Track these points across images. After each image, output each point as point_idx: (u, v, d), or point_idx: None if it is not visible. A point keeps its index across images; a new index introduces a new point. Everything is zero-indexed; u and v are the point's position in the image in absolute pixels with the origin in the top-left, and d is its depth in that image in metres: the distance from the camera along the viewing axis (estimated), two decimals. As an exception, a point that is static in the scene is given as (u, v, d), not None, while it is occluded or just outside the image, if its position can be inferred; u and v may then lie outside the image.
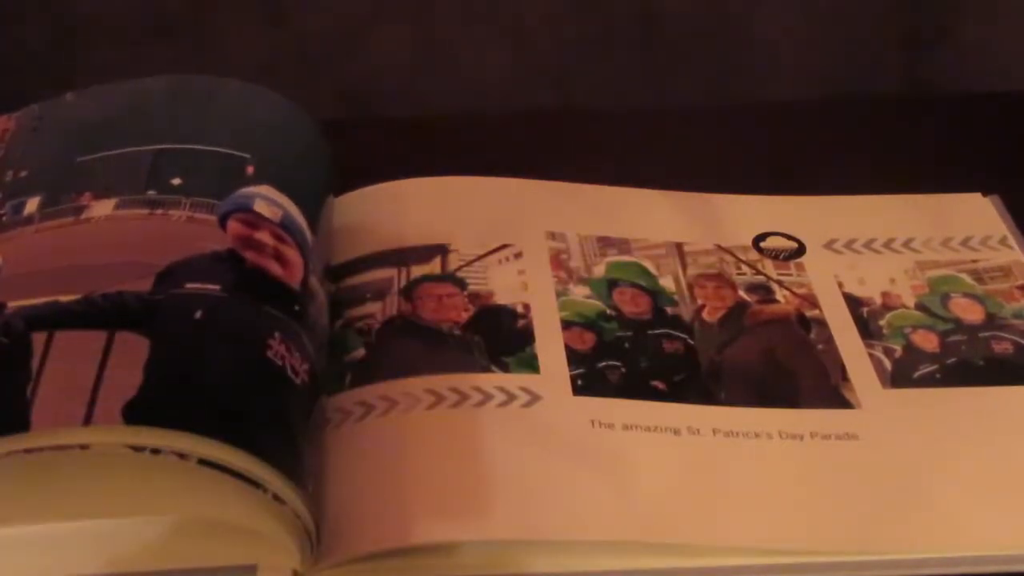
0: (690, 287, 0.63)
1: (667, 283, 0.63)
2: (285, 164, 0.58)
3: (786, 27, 0.86)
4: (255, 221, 0.54)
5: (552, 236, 0.64)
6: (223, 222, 0.54)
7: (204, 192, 0.55)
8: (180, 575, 0.49)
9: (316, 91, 0.85)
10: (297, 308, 0.53)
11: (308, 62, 0.84)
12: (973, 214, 0.70)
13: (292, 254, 0.54)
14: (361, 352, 0.58)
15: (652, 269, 0.63)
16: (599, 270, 0.63)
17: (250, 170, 0.56)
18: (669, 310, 0.61)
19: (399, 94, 0.86)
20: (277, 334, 0.50)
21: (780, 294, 0.63)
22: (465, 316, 0.59)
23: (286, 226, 0.54)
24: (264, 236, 0.53)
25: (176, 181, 0.56)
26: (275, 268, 0.53)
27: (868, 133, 0.78)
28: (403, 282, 0.61)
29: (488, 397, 0.55)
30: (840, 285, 0.64)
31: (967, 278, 0.65)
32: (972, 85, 0.87)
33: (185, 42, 0.84)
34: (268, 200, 0.55)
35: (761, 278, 0.64)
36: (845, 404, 0.58)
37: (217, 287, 0.51)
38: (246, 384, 0.49)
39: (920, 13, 0.87)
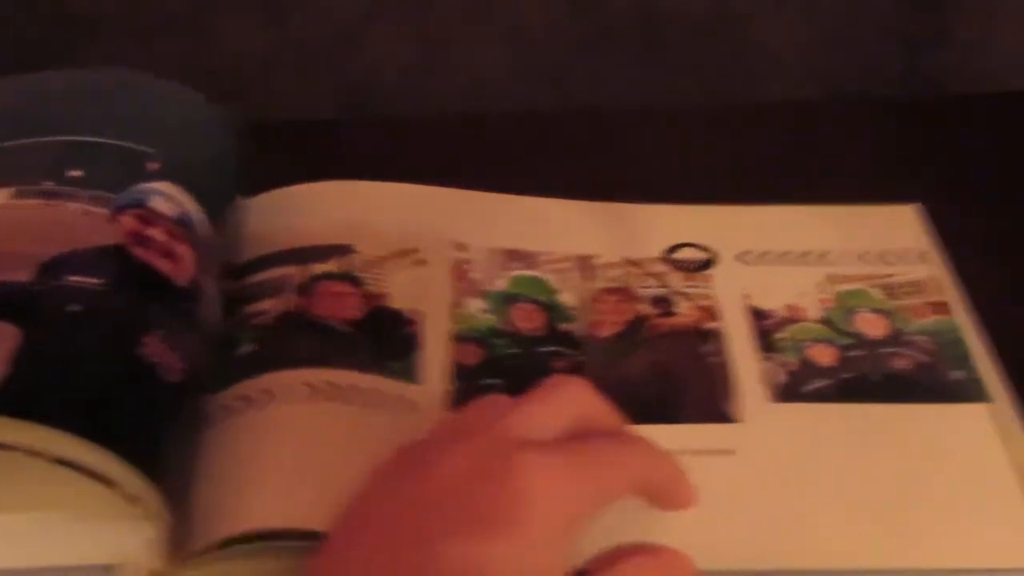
0: (591, 302, 0.63)
1: (567, 298, 0.63)
2: (192, 162, 0.59)
3: (787, 27, 0.86)
4: (149, 217, 0.55)
5: (459, 246, 0.64)
6: (116, 216, 0.54)
7: (103, 186, 0.56)
8: (35, 574, 0.49)
9: (315, 90, 0.85)
10: (182, 305, 0.54)
11: (307, 61, 0.85)
12: (896, 227, 0.69)
13: (184, 251, 0.55)
14: (250, 348, 0.58)
15: (554, 284, 0.64)
16: (500, 284, 0.64)
17: (153, 166, 0.57)
18: (564, 326, 0.62)
19: (398, 93, 0.86)
20: (155, 331, 0.51)
21: (682, 307, 0.63)
22: (358, 315, 0.60)
23: (182, 223, 0.56)
24: (157, 232, 0.54)
25: (76, 173, 0.56)
26: (164, 265, 0.54)
27: (862, 135, 0.79)
28: (302, 279, 0.61)
29: (364, 397, 0.55)
30: (746, 297, 0.64)
31: (877, 293, 0.65)
32: (972, 86, 0.86)
33: (185, 41, 0.85)
34: (166, 196, 0.56)
35: (665, 291, 0.63)
36: (728, 419, 0.58)
37: (98, 281, 0.52)
38: (112, 380, 0.50)
39: (921, 13, 0.87)
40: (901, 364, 0.61)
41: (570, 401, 0.50)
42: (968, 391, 0.60)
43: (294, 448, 0.54)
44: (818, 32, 0.88)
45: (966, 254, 0.67)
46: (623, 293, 0.64)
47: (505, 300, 0.63)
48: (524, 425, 0.48)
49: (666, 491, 0.51)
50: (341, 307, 0.60)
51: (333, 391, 0.56)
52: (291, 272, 0.62)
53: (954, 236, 0.68)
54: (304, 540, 0.49)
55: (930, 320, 0.64)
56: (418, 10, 0.85)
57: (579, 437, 0.49)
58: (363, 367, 0.57)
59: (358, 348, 0.59)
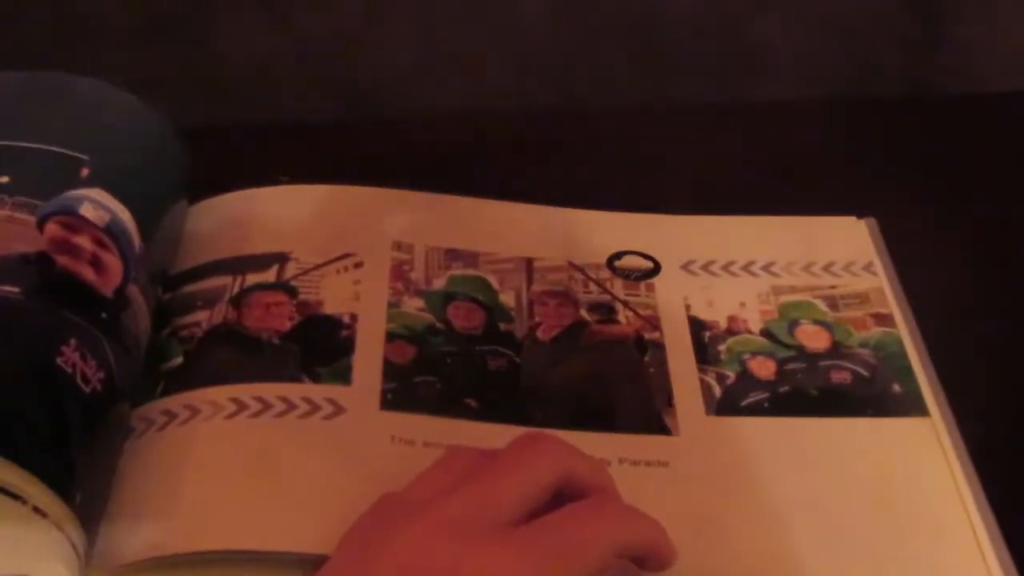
0: (531, 304, 0.62)
1: (507, 299, 0.62)
2: (126, 168, 0.58)
3: (786, 27, 0.86)
4: (75, 224, 0.54)
5: (398, 246, 0.64)
6: (42, 224, 0.52)
7: (30, 192, 0.55)
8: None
9: (315, 92, 0.85)
10: (104, 315, 0.52)
11: (307, 62, 0.84)
12: (843, 238, 0.69)
13: (111, 260, 0.54)
14: (179, 361, 0.58)
15: (495, 284, 0.63)
16: (439, 283, 0.63)
17: (85, 172, 0.56)
18: (503, 326, 0.61)
19: (398, 95, 0.85)
20: (73, 341, 0.50)
21: (623, 315, 0.62)
22: (289, 325, 0.59)
23: (111, 231, 0.54)
24: (83, 240, 0.53)
25: (2, 179, 0.55)
26: (88, 274, 0.53)
27: (856, 137, 0.78)
28: (236, 290, 0.59)
29: (291, 407, 0.55)
30: (688, 308, 0.63)
31: (820, 304, 0.64)
32: (972, 86, 0.86)
33: (184, 42, 0.84)
34: (96, 204, 0.55)
35: (607, 297, 0.62)
36: (664, 430, 0.57)
37: (16, 289, 0.51)
38: (25, 391, 0.49)
39: (919, 13, 0.86)
40: (840, 377, 0.61)
41: (545, 465, 0.48)
42: (906, 405, 0.60)
43: (212, 466, 0.53)
44: (818, 32, 0.87)
45: (916, 266, 0.67)
46: (564, 297, 0.64)
47: (443, 299, 0.63)
48: (490, 498, 0.47)
49: (646, 554, 0.50)
50: (273, 318, 0.59)
51: (261, 406, 0.55)
52: (226, 282, 0.62)
53: (906, 248, 0.68)
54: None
55: (872, 332, 0.63)
56: (418, 11, 0.85)
57: (551, 513, 0.47)
58: (292, 377, 0.57)
59: (288, 359, 0.58)
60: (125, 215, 0.56)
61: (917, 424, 0.59)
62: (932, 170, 0.75)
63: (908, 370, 0.61)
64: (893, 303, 0.64)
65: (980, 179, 0.74)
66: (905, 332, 0.63)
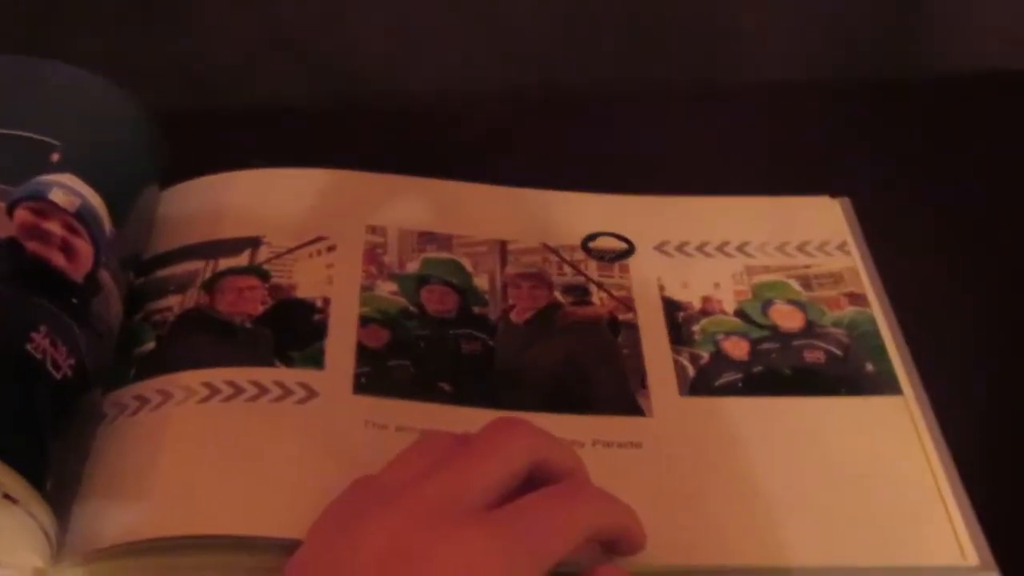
0: (505, 286, 0.62)
1: (481, 282, 0.62)
2: (98, 153, 0.58)
3: (772, 12, 0.85)
4: (45, 210, 0.54)
5: (372, 230, 0.64)
6: (12, 209, 0.53)
7: (0, 177, 0.55)
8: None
9: (294, 77, 0.84)
10: (75, 301, 0.52)
11: (283, 46, 0.84)
12: (817, 218, 0.69)
13: (82, 246, 0.54)
14: (151, 346, 0.58)
15: (468, 267, 0.63)
16: (413, 266, 0.63)
17: (56, 157, 0.56)
18: (477, 310, 0.61)
19: (376, 78, 0.85)
20: (43, 327, 0.50)
21: (597, 296, 0.62)
22: (261, 309, 0.59)
23: (81, 217, 0.54)
24: (53, 226, 0.53)
25: None
26: (58, 259, 0.53)
27: (834, 119, 0.78)
28: (208, 275, 0.59)
29: (263, 391, 0.54)
30: (661, 288, 0.63)
31: (794, 284, 0.64)
32: (950, 69, 0.85)
33: (159, 26, 0.84)
34: (66, 189, 0.55)
35: (581, 279, 0.63)
36: (637, 411, 0.57)
37: (-15, 275, 0.50)
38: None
39: None
40: (813, 357, 0.61)
41: (517, 450, 0.49)
42: (879, 384, 0.60)
43: (185, 451, 0.53)
44: (804, 17, 0.87)
45: (891, 246, 0.67)
46: (538, 279, 0.64)
47: (417, 282, 0.63)
48: (463, 483, 0.47)
49: (617, 538, 0.50)
50: (246, 302, 0.59)
51: (233, 391, 0.55)
52: (198, 267, 0.61)
53: (881, 229, 0.68)
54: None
55: (846, 312, 0.63)
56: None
57: (523, 497, 0.47)
58: (266, 362, 0.57)
59: (261, 343, 0.58)
60: (96, 200, 0.56)
61: (890, 403, 0.59)
62: (908, 151, 0.75)
63: (881, 349, 0.61)
64: (867, 283, 0.65)
65: (956, 161, 0.74)
66: (879, 311, 0.63)
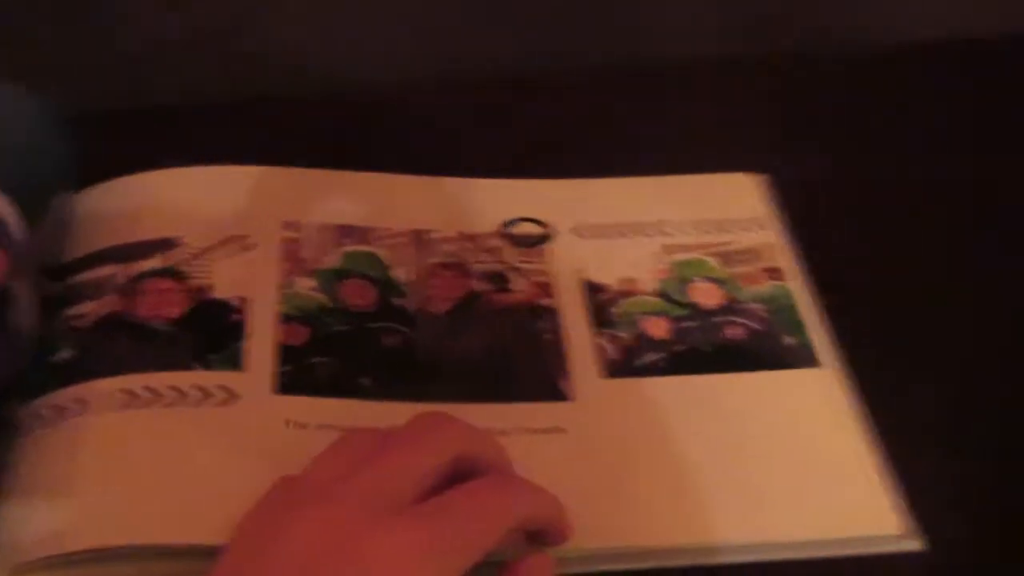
0: (424, 277, 0.61)
1: (400, 273, 0.62)
2: (8, 158, 0.57)
3: None
4: (-46, 220, 0.52)
5: (288, 226, 0.63)
6: (-80, 220, 0.52)
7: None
8: None
9: (210, 73, 0.83)
10: (-11, 311, 0.51)
11: (196, 42, 0.83)
12: (735, 195, 0.69)
13: None
14: (68, 353, 0.57)
15: (386, 259, 0.63)
16: (331, 260, 0.62)
17: None
18: (396, 302, 0.61)
19: (293, 74, 0.84)
20: (-46, 339, 0.49)
21: (516, 283, 0.63)
22: (179, 311, 0.58)
23: (-8, 225, 0.53)
24: (-37, 236, 0.52)
25: None
26: (-30, 269, 0.51)
27: (750, 94, 0.78)
28: (125, 279, 0.59)
29: (183, 396, 0.54)
30: (581, 272, 0.63)
31: (712, 261, 0.65)
32: (864, 40, 0.85)
33: (67, 27, 0.82)
34: (-25, 197, 0.53)
35: (500, 266, 0.63)
36: (560, 396, 0.57)
37: None
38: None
39: None
40: (734, 333, 0.62)
41: (441, 445, 0.49)
42: (799, 357, 0.61)
43: (105, 460, 0.53)
44: None
45: (809, 221, 0.68)
46: (457, 268, 0.64)
47: (336, 277, 0.62)
48: (388, 480, 0.47)
49: (543, 528, 0.50)
50: (163, 305, 0.59)
51: (152, 396, 0.54)
52: (113, 271, 0.61)
53: (796, 203, 0.69)
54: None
55: (765, 287, 0.64)
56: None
57: (449, 490, 0.48)
58: (184, 365, 0.56)
59: (179, 347, 0.57)
60: (7, 207, 0.55)
61: (811, 375, 0.60)
62: (821, 125, 0.76)
63: (800, 323, 0.62)
64: (785, 257, 0.65)
65: (870, 133, 0.74)
66: (797, 285, 0.64)
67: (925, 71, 0.79)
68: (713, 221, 0.67)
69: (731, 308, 0.63)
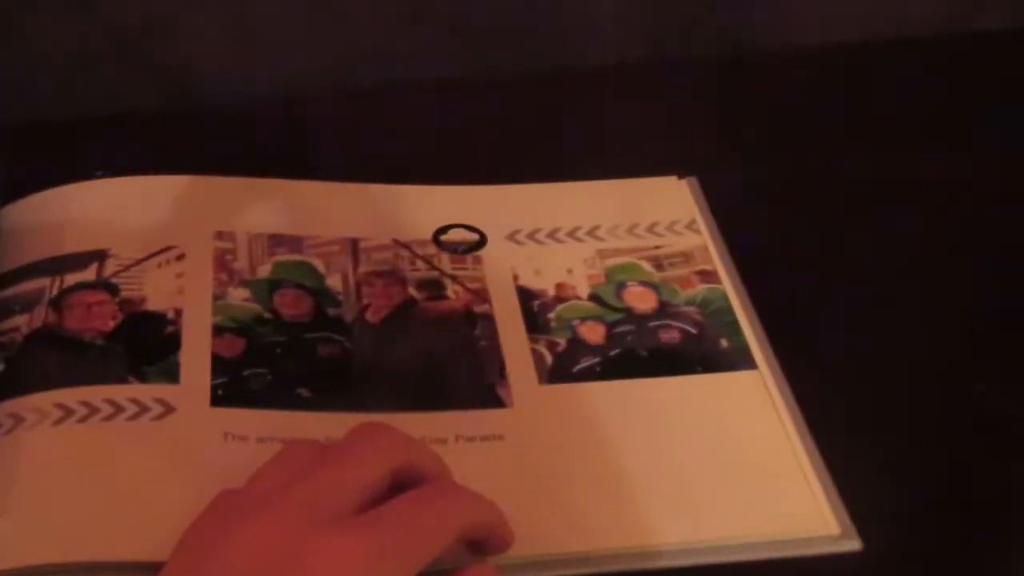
0: (359, 286, 0.61)
1: (334, 282, 0.62)
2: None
3: None
4: None
5: (221, 236, 0.63)
6: None
7: None
8: None
9: (129, 80, 0.82)
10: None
11: (119, 51, 0.82)
12: (665, 198, 0.70)
13: None
14: (0, 368, 0.55)
15: (320, 268, 0.62)
16: (264, 270, 0.62)
17: None
18: (332, 311, 0.61)
19: (215, 82, 0.83)
20: None
21: (451, 290, 0.62)
22: (112, 324, 0.58)
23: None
24: None
25: None
26: None
27: (673, 97, 0.79)
28: (54, 292, 0.58)
29: (119, 410, 0.54)
30: (516, 278, 0.64)
31: (646, 265, 0.65)
32: (788, 41, 0.87)
33: None
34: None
35: (434, 273, 0.63)
36: (498, 403, 0.58)
37: None
38: None
39: None
40: (669, 336, 0.62)
41: (381, 455, 0.49)
42: (735, 359, 0.61)
43: (41, 476, 0.52)
44: None
45: (739, 223, 0.68)
46: (390, 276, 0.64)
47: (269, 287, 0.62)
48: (329, 491, 0.47)
49: (485, 537, 0.50)
50: (95, 318, 0.58)
51: (87, 411, 0.54)
52: (44, 284, 0.60)
53: (726, 205, 0.69)
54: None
55: (698, 290, 0.65)
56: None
57: (389, 501, 0.47)
58: (120, 379, 0.56)
59: (114, 360, 0.57)
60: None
61: (746, 377, 0.60)
62: (749, 126, 0.77)
63: (734, 325, 0.62)
64: (717, 259, 0.66)
65: (798, 133, 0.75)
66: (730, 288, 0.64)
67: (844, 71, 0.80)
68: (645, 225, 0.68)
69: (665, 311, 0.63)
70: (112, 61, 0.80)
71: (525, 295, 0.63)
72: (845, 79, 0.79)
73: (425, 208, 0.68)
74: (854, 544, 0.54)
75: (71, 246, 0.62)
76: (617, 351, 0.61)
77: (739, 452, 0.57)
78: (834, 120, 0.77)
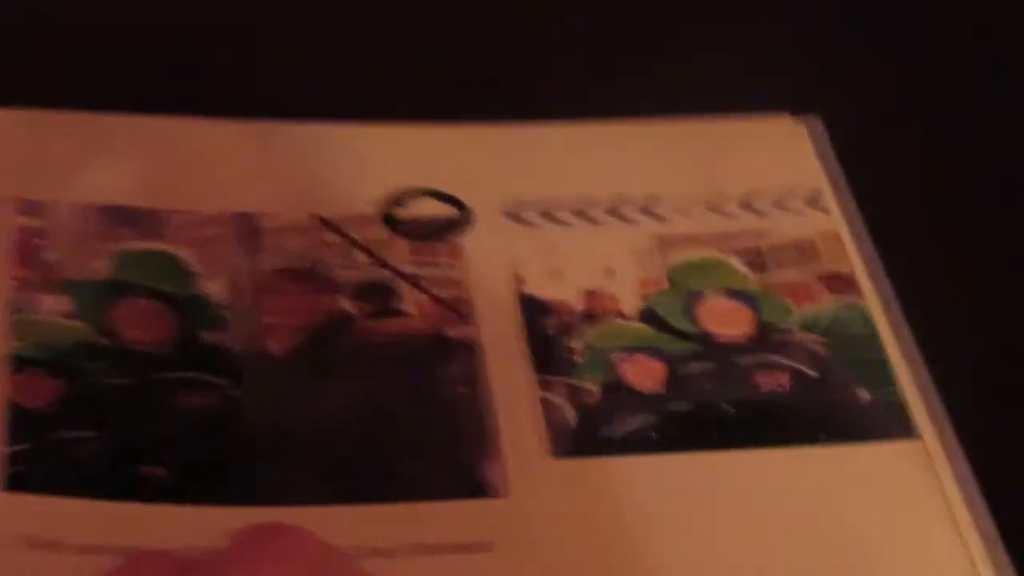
0: (256, 293, 0.62)
1: (214, 288, 0.62)
2: None
3: None
4: None
5: (25, 206, 0.63)
6: None
7: None
8: None
9: None
10: None
11: None
12: (771, 151, 0.70)
13: None
14: None
15: (193, 264, 0.63)
16: (98, 266, 0.62)
17: None
18: (208, 336, 0.61)
19: None
20: None
21: (411, 300, 0.63)
22: None
23: None
24: None
25: None
26: None
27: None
28: None
29: None
30: (518, 280, 0.64)
31: (737, 263, 0.66)
32: None
33: None
34: None
35: (383, 272, 0.63)
36: (482, 491, 0.58)
37: None
38: None
39: None
40: (771, 382, 0.63)
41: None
42: (882, 422, 0.62)
43: None
44: None
45: (891, 198, 0.68)
46: (310, 278, 0.64)
47: (106, 294, 0.62)
48: None
49: None
50: None
51: None
52: None
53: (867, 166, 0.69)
54: None
55: (824, 307, 0.65)
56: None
57: None
58: None
59: None
60: None
61: (900, 450, 0.61)
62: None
63: (882, 365, 0.63)
64: (857, 258, 0.66)
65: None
66: (876, 304, 0.64)
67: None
68: (736, 196, 0.68)
69: (767, 341, 0.63)
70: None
71: (533, 310, 0.64)
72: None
73: (369, 162, 0.68)
74: None
75: None
76: (685, 405, 0.61)
77: (887, 567, 0.57)
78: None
